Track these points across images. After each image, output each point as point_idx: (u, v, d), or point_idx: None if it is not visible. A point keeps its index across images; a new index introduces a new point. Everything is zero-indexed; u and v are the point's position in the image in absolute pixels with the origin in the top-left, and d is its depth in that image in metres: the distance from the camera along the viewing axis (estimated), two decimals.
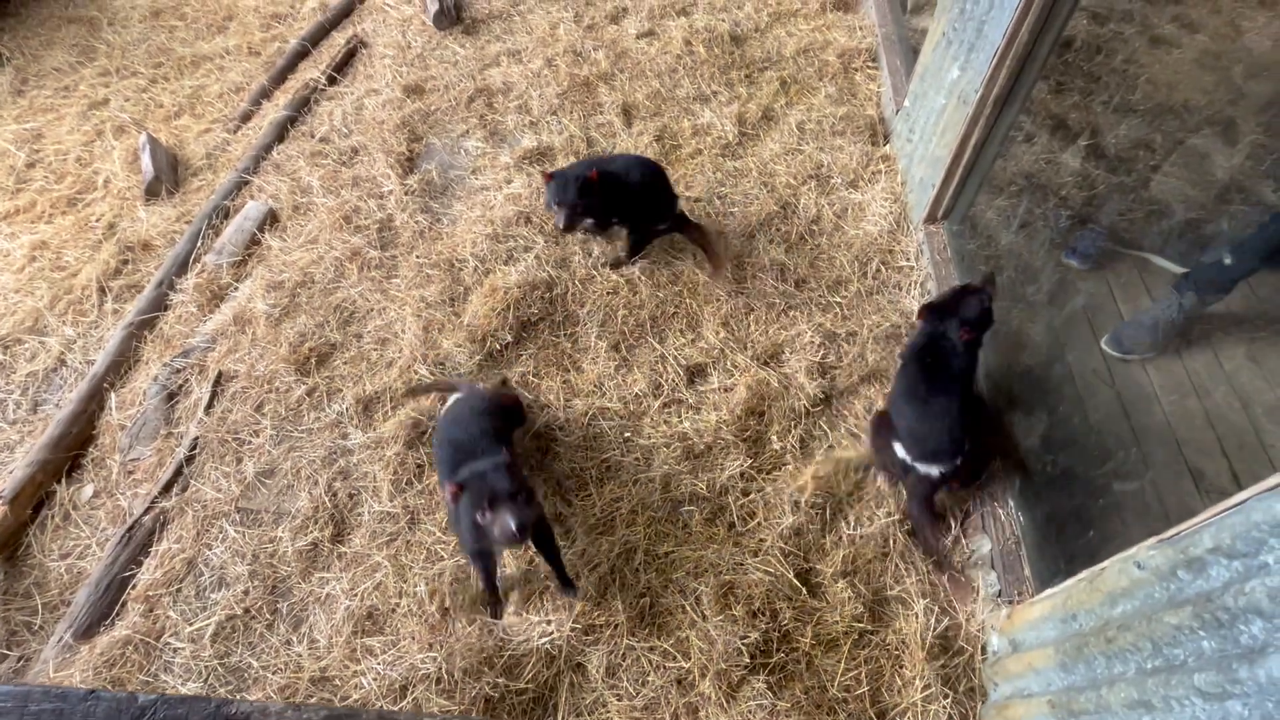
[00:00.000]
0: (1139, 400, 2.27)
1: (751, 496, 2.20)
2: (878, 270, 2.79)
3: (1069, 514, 1.93)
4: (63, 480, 2.45)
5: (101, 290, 2.97)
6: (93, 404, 2.60)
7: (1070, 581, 1.56)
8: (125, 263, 3.07)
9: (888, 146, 3.23)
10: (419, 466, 2.32)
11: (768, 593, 1.99)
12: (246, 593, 2.10)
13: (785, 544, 2.08)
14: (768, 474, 2.25)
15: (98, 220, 3.25)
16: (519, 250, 2.86)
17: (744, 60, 3.71)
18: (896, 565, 2.06)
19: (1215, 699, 1.09)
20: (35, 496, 2.37)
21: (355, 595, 2.07)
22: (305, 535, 2.21)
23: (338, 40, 4.09)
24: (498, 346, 2.56)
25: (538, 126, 3.41)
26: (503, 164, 3.23)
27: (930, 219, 2.76)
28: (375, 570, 2.12)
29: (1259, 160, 2.54)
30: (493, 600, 2.00)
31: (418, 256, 2.89)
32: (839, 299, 2.70)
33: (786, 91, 3.55)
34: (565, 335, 2.63)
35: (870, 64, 3.63)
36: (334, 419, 2.45)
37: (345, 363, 2.60)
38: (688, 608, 1.99)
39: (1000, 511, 2.09)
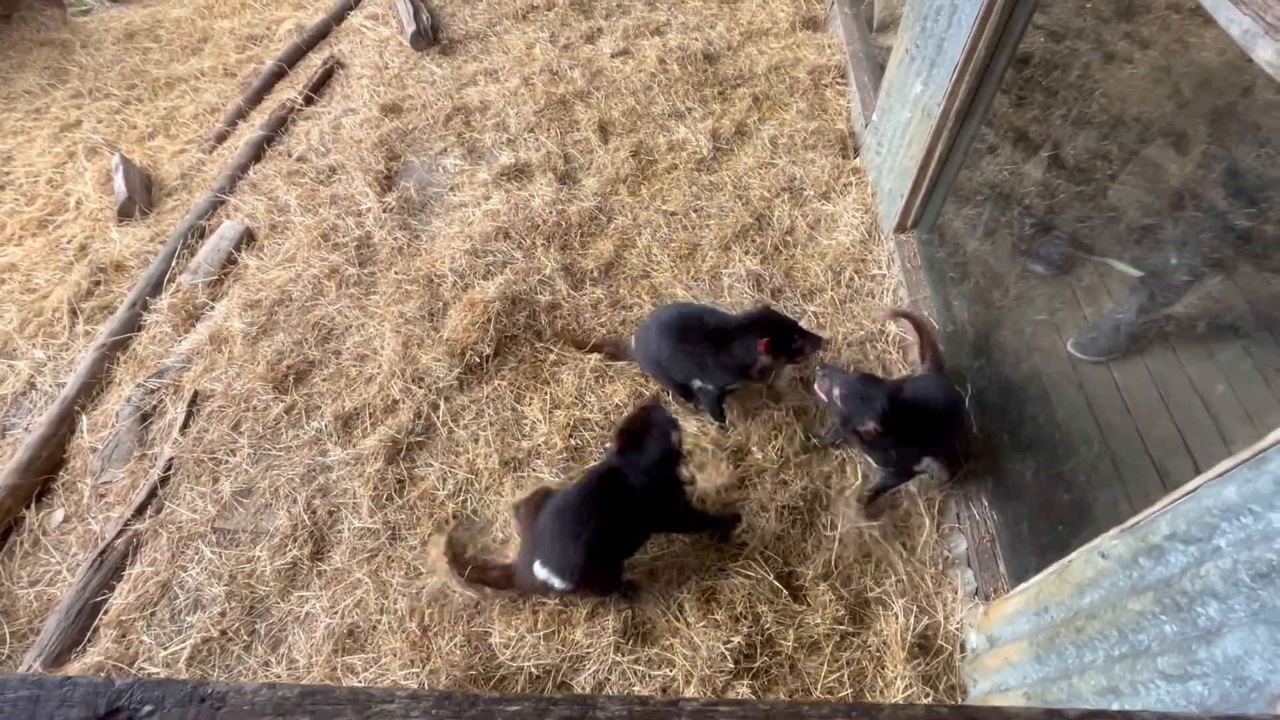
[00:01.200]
0: (1104, 399, 2.34)
1: (733, 502, 2.22)
2: (851, 279, 2.86)
3: (1040, 511, 1.98)
4: (32, 505, 2.39)
5: (73, 312, 2.93)
6: (63, 427, 2.55)
7: (1041, 575, 1.60)
8: (97, 284, 3.03)
9: (858, 159, 3.32)
10: (399, 482, 2.31)
11: (749, 596, 2.00)
12: (224, 614, 2.06)
13: (766, 548, 2.10)
14: (749, 481, 2.28)
15: (69, 242, 3.21)
16: (497, 265, 2.88)
17: (717, 78, 3.79)
18: (876, 566, 2.09)
19: (1178, 680, 1.13)
20: (3, 523, 2.31)
21: (336, 613, 2.04)
22: (284, 554, 2.18)
23: (314, 61, 4.11)
24: (477, 360, 2.57)
25: (515, 144, 3.45)
26: (481, 180, 3.26)
27: (900, 228, 2.84)
28: (356, 588, 2.10)
29: (1209, 168, 2.65)
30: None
31: (396, 273, 2.89)
32: (814, 308, 2.76)
33: (759, 107, 3.64)
34: (544, 348, 2.64)
35: (840, 80, 3.74)
36: (313, 436, 2.44)
37: (324, 380, 2.59)
38: (671, 616, 2.00)
39: (975, 510, 2.13)
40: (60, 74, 4.16)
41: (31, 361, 2.78)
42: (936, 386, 2.11)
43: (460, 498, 2.28)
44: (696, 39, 3.99)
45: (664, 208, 3.11)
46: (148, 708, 0.41)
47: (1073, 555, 1.47)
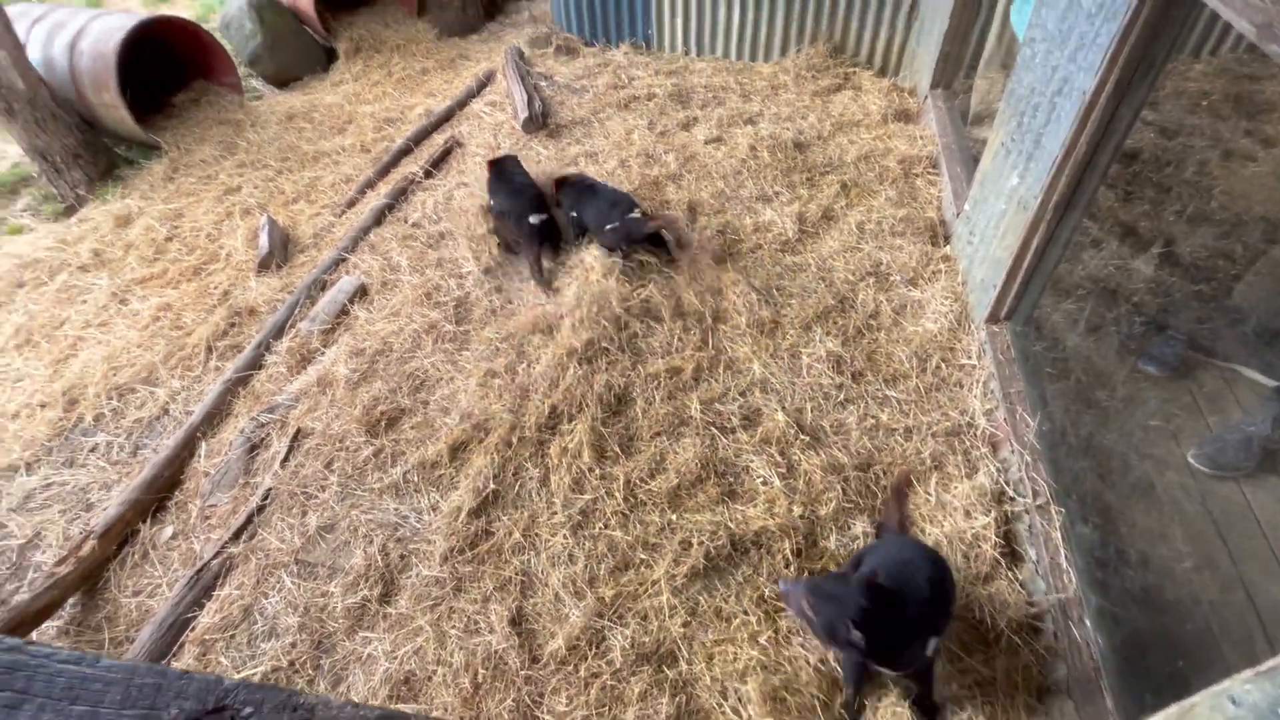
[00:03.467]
0: (1234, 519, 2.10)
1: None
2: (938, 367, 2.76)
3: (1155, 640, 1.76)
4: (148, 520, 2.63)
5: (209, 349, 3.29)
6: (185, 451, 2.83)
7: (1157, 717, 1.40)
8: (232, 325, 3.41)
9: (948, 247, 3.27)
10: (470, 534, 2.37)
11: (822, 704, 1.86)
12: (294, 645, 2.15)
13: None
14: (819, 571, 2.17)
15: (216, 288, 3.65)
16: (581, 325, 2.99)
17: (806, 165, 3.91)
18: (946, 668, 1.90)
19: None
20: (122, 534, 2.55)
21: (395, 658, 2.08)
22: (355, 593, 2.26)
23: (437, 140, 4.60)
24: (550, 415, 2.65)
25: None
26: (570, 248, 3.46)
27: (993, 319, 2.74)
28: (417, 634, 2.13)
29: None
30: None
31: (489, 332, 3.08)
32: (897, 394, 2.68)
33: (847, 194, 3.70)
34: (618, 411, 2.69)
35: (931, 170, 3.76)
36: (396, 480, 2.56)
37: (412, 428, 2.74)
38: (729, 709, 1.89)
39: (1076, 633, 1.92)
40: (230, 147, 4.86)
41: (169, 390, 3.12)
42: (912, 551, 1.82)
43: (524, 556, 2.31)
44: (788, 128, 4.16)
45: (750, 281, 3.16)
46: (248, 709, 0.45)
47: (1196, 698, 1.29)
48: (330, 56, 5.89)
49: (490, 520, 2.41)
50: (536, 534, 2.35)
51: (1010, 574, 2.09)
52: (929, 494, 2.33)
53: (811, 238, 3.46)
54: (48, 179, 4.49)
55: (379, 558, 2.34)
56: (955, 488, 2.32)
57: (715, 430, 2.60)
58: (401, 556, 2.36)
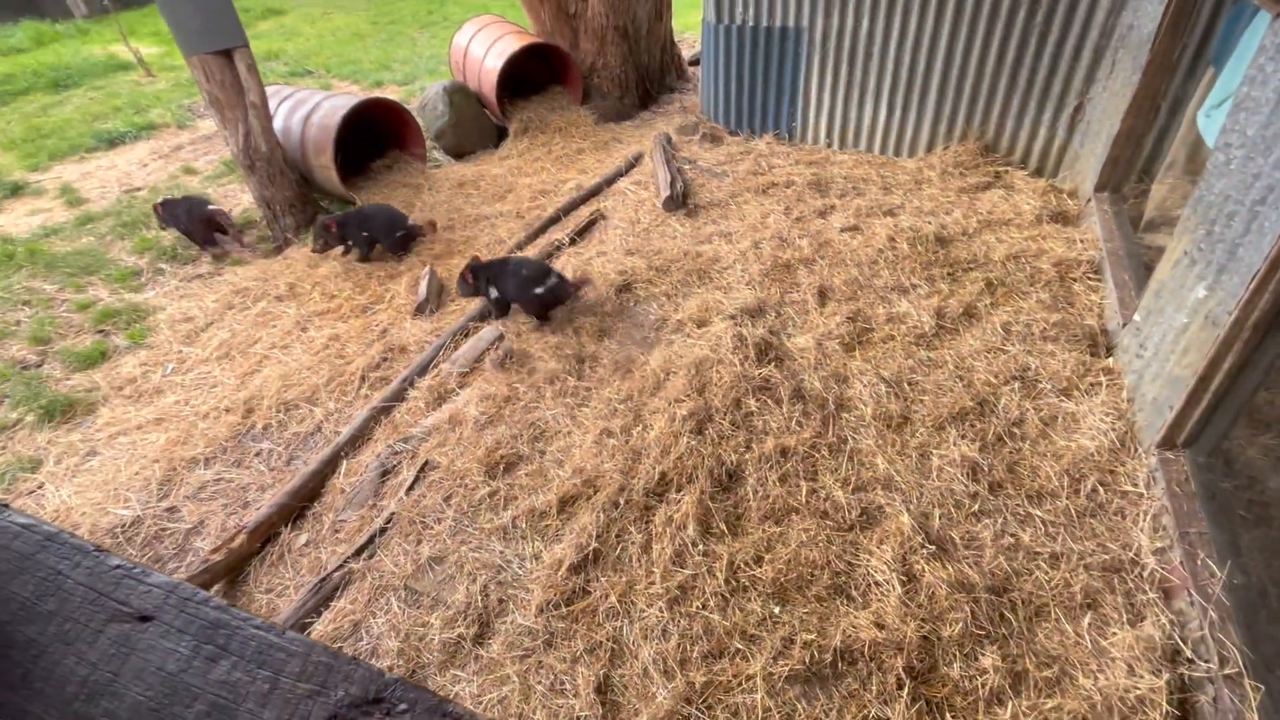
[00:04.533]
0: None
1: None
2: (1094, 490, 2.46)
3: None
4: (288, 525, 2.90)
5: (362, 378, 3.67)
6: (329, 467, 3.12)
7: None
8: (385, 359, 3.79)
9: (1110, 359, 2.97)
10: (568, 590, 2.37)
11: None
12: (391, 669, 2.22)
13: None
14: (942, 708, 1.93)
15: (377, 325, 4.11)
16: (696, 392, 3.01)
17: (947, 259, 3.77)
18: None
19: None
20: (267, 534, 2.82)
21: (480, 703, 2.08)
22: (453, 628, 2.32)
23: (584, 212, 4.98)
24: (659, 482, 2.64)
25: (733, 292, 3.72)
26: (693, 319, 3.53)
27: (1167, 444, 2.41)
28: (504, 683, 2.13)
29: None
30: None
31: (609, 392, 3.17)
32: (1042, 513, 2.40)
33: (992, 292, 3.51)
34: (728, 488, 2.63)
35: (1092, 276, 3.48)
36: (505, 524, 2.65)
37: (527, 475, 2.85)
38: None
39: None
40: (409, 207, 5.56)
41: (325, 410, 3.49)
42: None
43: (617, 623, 2.26)
44: (929, 222, 4.06)
45: (879, 372, 3.04)
46: (402, 706, 0.48)
47: None
48: (501, 135, 6.66)
49: (588, 579, 2.40)
50: (632, 601, 2.31)
51: None
52: (1080, 636, 2.03)
53: (950, 334, 3.29)
54: (267, 223, 5.36)
55: (479, 597, 2.40)
56: (1114, 635, 2.00)
57: (829, 523, 2.46)
58: (500, 600, 2.40)
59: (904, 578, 2.23)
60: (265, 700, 0.49)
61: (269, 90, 5.44)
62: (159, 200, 5.37)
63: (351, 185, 5.58)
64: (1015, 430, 2.75)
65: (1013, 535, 2.35)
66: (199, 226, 5.10)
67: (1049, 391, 2.88)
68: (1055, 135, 4.46)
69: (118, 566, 0.58)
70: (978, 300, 3.45)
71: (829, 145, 5.49)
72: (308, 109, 5.30)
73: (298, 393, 3.62)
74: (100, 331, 4.49)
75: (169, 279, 5.06)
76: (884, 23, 4.73)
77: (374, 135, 6.06)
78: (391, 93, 8.48)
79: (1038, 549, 2.30)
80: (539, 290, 3.59)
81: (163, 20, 4.68)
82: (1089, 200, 4.00)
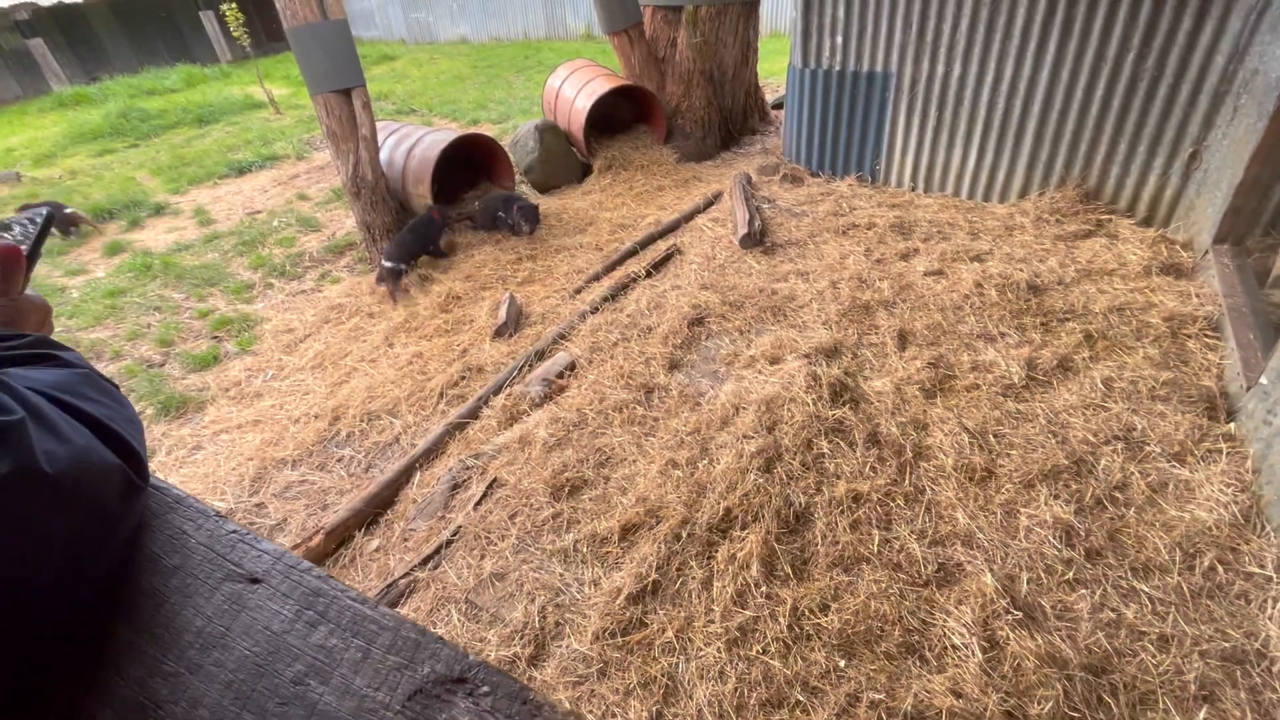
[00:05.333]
0: None
1: None
2: (1211, 569, 2.21)
3: None
4: (362, 529, 3.02)
5: (441, 395, 3.83)
6: (403, 477, 3.25)
7: None
8: (463, 378, 3.94)
9: (1232, 425, 2.70)
10: (625, 619, 2.34)
11: None
12: None
13: None
14: None
15: (458, 346, 4.30)
16: (766, 429, 2.94)
17: (1040, 308, 3.58)
18: None
19: None
20: (343, 536, 2.96)
21: None
22: (508, 647, 2.33)
23: (660, 247, 5.07)
24: (723, 518, 2.58)
25: (808, 330, 3.65)
26: (765, 356, 3.48)
27: None
28: None
29: None
30: None
31: (676, 423, 3.16)
32: (1150, 588, 2.17)
33: (1091, 345, 3.28)
34: (795, 530, 2.54)
35: (1210, 333, 3.20)
36: (567, 546, 2.66)
37: (591, 499, 2.86)
38: None
39: None
40: (500, 241, 5.85)
41: (405, 422, 3.66)
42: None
43: (673, 658, 2.20)
44: (1020, 269, 3.87)
45: (961, 422, 2.89)
46: (485, 688, 0.49)
47: None
48: (586, 171, 6.93)
49: (646, 610, 2.36)
50: (690, 638, 2.24)
51: None
52: None
53: (1042, 387, 3.09)
54: (365, 245, 5.77)
55: (537, 618, 2.40)
56: None
57: (903, 576, 2.32)
58: (557, 623, 2.39)
59: (985, 643, 2.07)
60: (358, 668, 0.51)
61: (379, 126, 5.92)
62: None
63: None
64: (1117, 495, 2.52)
65: (1114, 610, 2.14)
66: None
67: (1158, 455, 2.64)
68: (1167, 183, 4.19)
69: (233, 531, 0.63)
70: (1075, 353, 3.24)
71: (914, 189, 5.38)
72: (411, 143, 5.72)
73: (380, 404, 3.81)
74: (215, 337, 4.93)
75: (277, 293, 5.51)
76: (977, 67, 4.65)
77: (468, 167, 6.44)
78: (486, 130, 9.02)
79: (1144, 628, 2.08)
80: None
81: (293, 65, 5.21)
82: (1206, 252, 3.70)
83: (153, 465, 3.63)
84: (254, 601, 0.57)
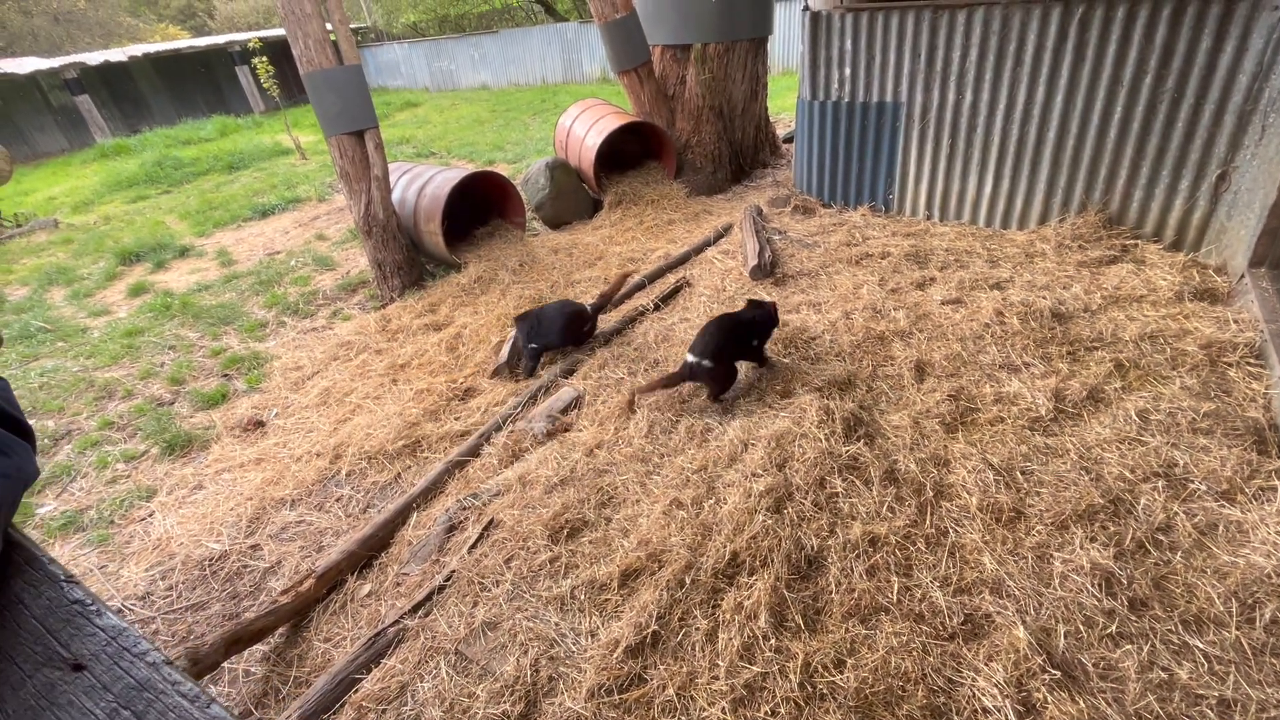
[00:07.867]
0: None
1: None
2: (1274, 622, 1.98)
3: None
4: (354, 573, 2.90)
5: (443, 436, 3.73)
6: (400, 518, 3.13)
7: None
8: (463, 412, 3.85)
9: None
10: (624, 675, 2.17)
11: None
12: None
13: None
14: None
15: (462, 382, 4.22)
16: (776, 467, 2.79)
17: (1067, 337, 3.40)
18: None
19: None
20: (334, 580, 2.84)
21: None
22: (497, 705, 2.16)
23: (670, 280, 4.99)
24: (729, 562, 2.41)
25: (820, 363, 3.51)
26: (775, 390, 3.34)
27: None
28: None
29: None
30: None
31: (683, 460, 3.02)
32: (1204, 644, 1.95)
33: (1123, 375, 3.09)
34: (807, 576, 2.36)
35: (1253, 361, 3.00)
36: (564, 593, 2.50)
37: (590, 542, 2.71)
38: None
39: None
40: (516, 271, 5.84)
41: (404, 462, 3.56)
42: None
43: (674, 719, 2.02)
44: (1044, 297, 3.71)
45: (985, 458, 2.70)
46: None
47: None
48: (597, 206, 6.95)
49: (646, 664, 2.19)
50: (692, 697, 2.06)
51: None
52: None
53: (1072, 419, 2.90)
54: (377, 283, 5.80)
55: (529, 672, 2.24)
56: None
57: (926, 628, 2.13)
58: (550, 678, 2.23)
59: (1020, 707, 1.86)
60: None
61: (393, 166, 6.03)
62: None
63: (455, 250, 5.95)
64: (1161, 537, 2.31)
65: (1165, 669, 1.92)
66: None
67: (1204, 494, 2.42)
68: (1195, 206, 4.02)
69: (75, 602, 0.52)
70: (1105, 383, 3.04)
71: (928, 217, 5.26)
72: (422, 182, 5.79)
73: (378, 443, 3.73)
74: (225, 375, 4.93)
75: (288, 330, 5.54)
76: (989, 94, 4.57)
77: (480, 205, 6.50)
78: (501, 169, 9.17)
79: (1201, 690, 1.85)
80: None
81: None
82: (1242, 276, 3.51)
83: (153, 505, 3.58)
84: (65, 696, 0.45)
